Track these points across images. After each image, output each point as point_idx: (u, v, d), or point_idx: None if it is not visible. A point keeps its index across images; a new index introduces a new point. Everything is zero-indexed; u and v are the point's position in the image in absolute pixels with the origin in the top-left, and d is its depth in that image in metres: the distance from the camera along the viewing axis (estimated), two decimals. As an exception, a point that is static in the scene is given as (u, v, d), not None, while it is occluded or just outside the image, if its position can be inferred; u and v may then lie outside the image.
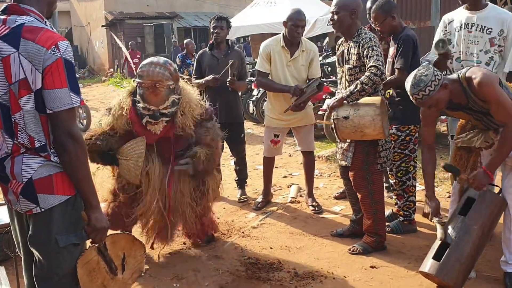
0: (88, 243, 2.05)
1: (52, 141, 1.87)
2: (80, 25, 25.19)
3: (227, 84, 4.37)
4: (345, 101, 3.34)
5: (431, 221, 3.00)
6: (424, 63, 2.87)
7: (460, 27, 3.61)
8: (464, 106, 2.79)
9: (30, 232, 1.92)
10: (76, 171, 1.86)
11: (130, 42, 17.20)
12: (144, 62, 3.15)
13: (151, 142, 3.23)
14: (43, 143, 1.85)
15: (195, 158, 3.23)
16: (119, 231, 2.22)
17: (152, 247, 3.51)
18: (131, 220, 3.38)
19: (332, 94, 6.75)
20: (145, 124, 3.12)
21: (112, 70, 21.24)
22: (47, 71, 1.75)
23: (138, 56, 16.55)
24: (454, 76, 2.77)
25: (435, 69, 2.71)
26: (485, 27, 3.51)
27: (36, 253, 1.94)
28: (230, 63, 4.32)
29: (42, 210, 1.87)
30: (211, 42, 4.65)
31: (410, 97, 2.75)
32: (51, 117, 1.80)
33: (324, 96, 6.91)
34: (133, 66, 15.19)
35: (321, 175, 5.60)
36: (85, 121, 9.09)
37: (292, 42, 4.17)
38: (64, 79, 1.78)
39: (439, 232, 2.83)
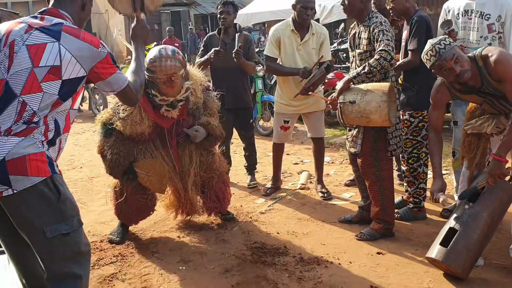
0: None
1: (47, 119, 1.94)
2: (98, 12, 25.32)
3: (233, 56, 4.27)
4: (352, 86, 3.29)
5: (434, 200, 2.94)
6: None
7: (460, 14, 3.54)
8: (478, 89, 2.72)
9: (17, 222, 1.91)
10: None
11: (167, 28, 14.52)
12: (152, 55, 3.10)
13: (168, 127, 3.31)
14: (39, 119, 1.91)
15: (209, 125, 3.37)
16: None
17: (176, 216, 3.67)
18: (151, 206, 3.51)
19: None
20: (163, 112, 3.19)
21: (130, 57, 21.34)
22: (99, 66, 1.99)
23: (177, 44, 13.16)
24: (469, 55, 2.70)
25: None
26: (483, 13, 3.44)
27: (28, 242, 1.95)
28: (237, 35, 4.29)
29: (15, 192, 1.83)
30: (219, 26, 4.60)
31: (429, 54, 2.66)
32: (119, 95, 2.13)
33: (337, 83, 6.83)
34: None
35: (332, 162, 5.56)
36: (101, 107, 9.14)
37: (302, 25, 4.11)
38: (114, 66, 2.05)
39: (442, 200, 2.81)
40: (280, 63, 4.24)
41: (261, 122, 7.32)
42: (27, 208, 1.86)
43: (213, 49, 4.36)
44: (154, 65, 3.06)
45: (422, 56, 2.77)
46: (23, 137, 1.87)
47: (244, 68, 4.46)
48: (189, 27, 19.56)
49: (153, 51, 3.15)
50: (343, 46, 8.10)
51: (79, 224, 2.00)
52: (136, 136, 3.25)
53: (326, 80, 5.70)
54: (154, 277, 3.02)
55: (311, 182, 4.76)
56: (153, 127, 3.26)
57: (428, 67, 2.78)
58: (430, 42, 2.71)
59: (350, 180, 4.60)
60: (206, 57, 4.44)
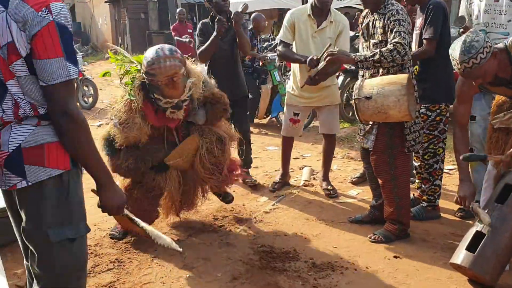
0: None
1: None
2: (82, 1, 24.70)
3: (232, 19, 3.91)
4: (366, 80, 3.08)
5: (467, 208, 2.75)
6: (472, 29, 2.60)
7: None
8: (508, 81, 2.51)
9: (23, 219, 1.67)
10: (77, 152, 1.64)
11: (178, 10, 11.02)
12: (150, 57, 2.88)
13: (173, 126, 3.15)
14: (45, 112, 1.62)
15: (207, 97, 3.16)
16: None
17: (178, 215, 3.47)
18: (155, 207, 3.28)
19: (346, 71, 6.45)
20: (168, 115, 2.99)
21: (115, 47, 20.80)
22: (37, 38, 1.51)
23: (190, 30, 10.47)
24: (500, 45, 2.48)
25: (485, 35, 2.42)
26: None
27: (28, 245, 1.70)
28: (241, 5, 4.01)
29: (29, 184, 1.60)
30: (212, 13, 4.19)
31: (457, 66, 2.44)
32: (45, 91, 1.57)
33: (337, 73, 6.60)
34: (186, 40, 9.82)
35: (334, 157, 5.32)
36: (90, 99, 8.72)
37: (321, 10, 3.83)
38: (59, 46, 1.54)
39: (484, 217, 2.56)
40: (294, 50, 3.97)
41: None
42: (38, 204, 1.63)
43: (216, 22, 3.97)
44: (153, 67, 2.84)
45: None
46: (37, 125, 1.61)
47: (240, 41, 4.04)
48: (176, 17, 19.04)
49: (149, 53, 2.91)
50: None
51: (85, 230, 1.75)
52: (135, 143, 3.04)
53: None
54: (156, 286, 2.77)
55: (314, 178, 4.55)
56: (150, 133, 3.07)
57: None
58: (458, 57, 2.41)
59: (357, 177, 4.39)
60: (211, 39, 4.02)
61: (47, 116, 1.62)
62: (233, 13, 3.94)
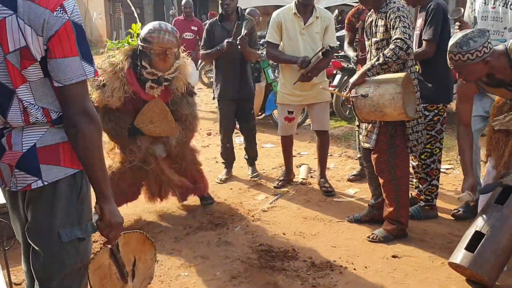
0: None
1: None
2: (77, -5, 24.48)
3: (237, 42, 4.01)
4: (365, 78, 3.08)
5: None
6: (481, 28, 2.62)
7: (484, 2, 3.33)
8: (507, 83, 2.52)
9: (29, 219, 1.64)
10: (90, 156, 1.57)
11: (183, 2, 8.29)
12: (152, 26, 3.13)
13: (149, 99, 3.25)
14: (60, 113, 1.57)
15: (167, 145, 3.36)
16: (130, 231, 1.93)
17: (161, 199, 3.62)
18: (137, 190, 3.50)
19: (343, 69, 6.45)
20: (146, 88, 3.16)
21: (108, 41, 20.66)
22: (55, 38, 1.46)
23: (194, 28, 8.01)
24: (501, 47, 2.50)
25: (489, 41, 2.44)
26: (509, 1, 3.23)
27: (34, 245, 1.67)
28: (245, 22, 4.04)
29: (45, 183, 1.57)
30: (221, 12, 4.32)
31: (447, 54, 2.46)
32: (60, 91, 1.53)
33: (334, 72, 6.60)
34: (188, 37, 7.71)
35: (331, 155, 5.32)
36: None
37: (305, 7, 3.88)
38: (74, 45, 1.50)
39: (462, 196, 2.65)
40: (282, 49, 4.01)
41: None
42: (50, 205, 1.60)
43: (225, 41, 4.08)
44: (152, 35, 3.06)
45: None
46: (51, 127, 1.58)
47: (247, 56, 4.21)
48: (171, 12, 18.79)
49: (152, 23, 3.17)
50: (337, 34, 7.83)
51: (92, 229, 1.72)
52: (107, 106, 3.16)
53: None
54: (154, 285, 2.75)
55: (311, 177, 4.55)
56: (125, 102, 3.17)
57: None
58: (450, 45, 2.46)
59: (354, 175, 4.39)
60: (217, 48, 4.16)
61: (58, 121, 1.58)
62: (238, 38, 4.01)
